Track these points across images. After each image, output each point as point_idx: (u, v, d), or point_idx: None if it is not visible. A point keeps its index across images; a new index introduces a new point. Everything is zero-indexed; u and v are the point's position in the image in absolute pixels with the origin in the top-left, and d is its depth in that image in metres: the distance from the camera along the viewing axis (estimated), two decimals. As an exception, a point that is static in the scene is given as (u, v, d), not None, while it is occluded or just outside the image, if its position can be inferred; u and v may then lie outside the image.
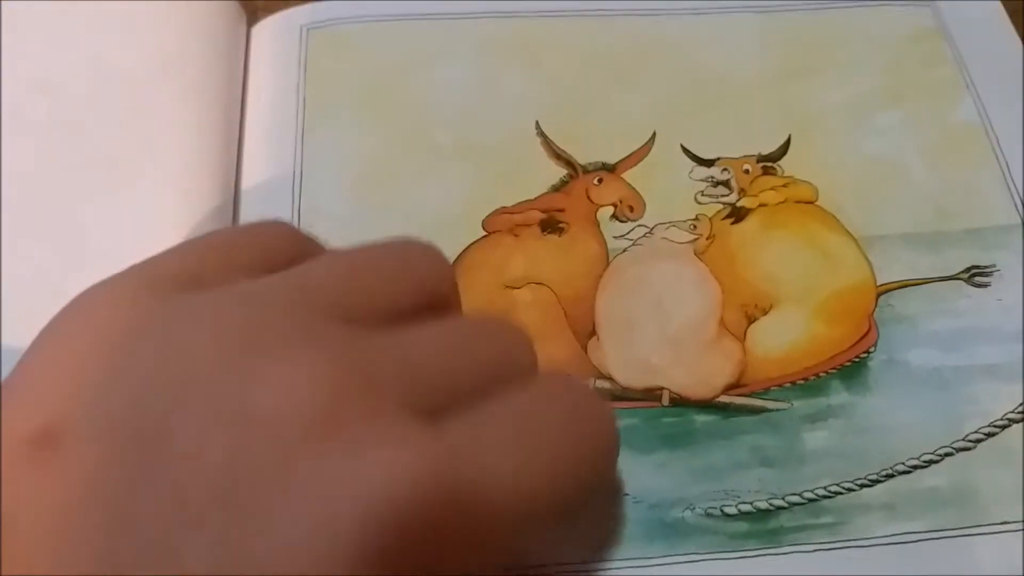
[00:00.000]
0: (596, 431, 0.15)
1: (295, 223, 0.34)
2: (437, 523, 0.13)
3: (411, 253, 0.17)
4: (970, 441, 0.28)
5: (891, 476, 0.28)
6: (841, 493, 0.28)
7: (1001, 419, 0.29)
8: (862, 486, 0.28)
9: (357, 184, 0.35)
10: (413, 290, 0.16)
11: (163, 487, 0.12)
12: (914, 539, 0.27)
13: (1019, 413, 0.29)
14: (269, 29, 0.39)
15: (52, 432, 0.13)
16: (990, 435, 0.28)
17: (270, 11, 0.40)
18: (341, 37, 0.39)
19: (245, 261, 0.16)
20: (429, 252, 0.17)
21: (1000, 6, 0.39)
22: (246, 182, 0.35)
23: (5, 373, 0.15)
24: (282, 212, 0.34)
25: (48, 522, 0.13)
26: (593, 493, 0.15)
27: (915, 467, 0.28)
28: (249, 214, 0.35)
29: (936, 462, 0.28)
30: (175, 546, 0.12)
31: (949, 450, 0.28)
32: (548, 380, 0.15)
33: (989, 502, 0.27)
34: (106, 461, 0.13)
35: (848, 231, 0.33)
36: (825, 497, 0.28)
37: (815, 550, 0.27)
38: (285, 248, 0.17)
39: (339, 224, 0.34)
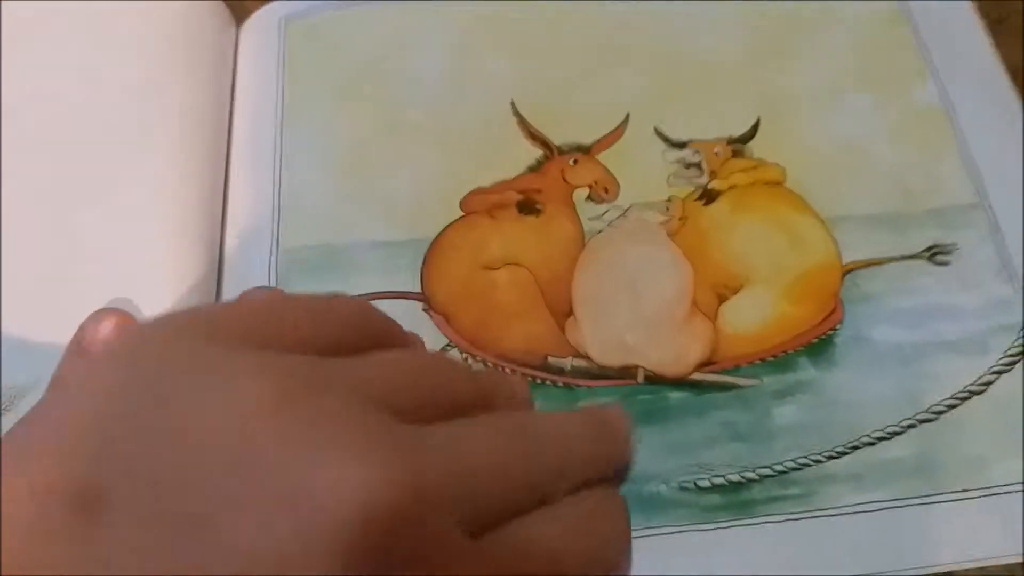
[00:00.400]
0: (615, 556, 0.16)
1: (275, 208, 0.35)
2: None
3: (481, 376, 0.17)
4: (932, 413, 0.29)
5: (857, 448, 0.29)
6: (809, 465, 0.29)
7: (961, 391, 0.30)
8: (829, 458, 0.29)
9: (336, 167, 0.35)
10: (471, 400, 0.16)
11: (206, 569, 0.12)
12: (879, 508, 0.28)
13: (978, 386, 0.30)
14: (252, 26, 0.40)
15: (93, 495, 0.13)
16: (951, 407, 0.30)
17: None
18: (319, 26, 0.39)
19: (310, 340, 0.15)
20: (501, 376, 0.17)
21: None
22: (234, 170, 0.36)
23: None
24: (263, 199, 0.35)
25: None
26: None
27: (880, 439, 0.29)
28: (236, 202, 0.35)
29: (900, 434, 0.29)
30: None
31: (912, 422, 0.29)
32: (588, 501, 0.16)
33: (950, 471, 0.29)
34: (151, 537, 0.13)
35: (815, 212, 0.34)
36: (794, 469, 0.29)
37: (785, 520, 0.28)
38: (354, 335, 0.16)
39: (321, 202, 0.35)
